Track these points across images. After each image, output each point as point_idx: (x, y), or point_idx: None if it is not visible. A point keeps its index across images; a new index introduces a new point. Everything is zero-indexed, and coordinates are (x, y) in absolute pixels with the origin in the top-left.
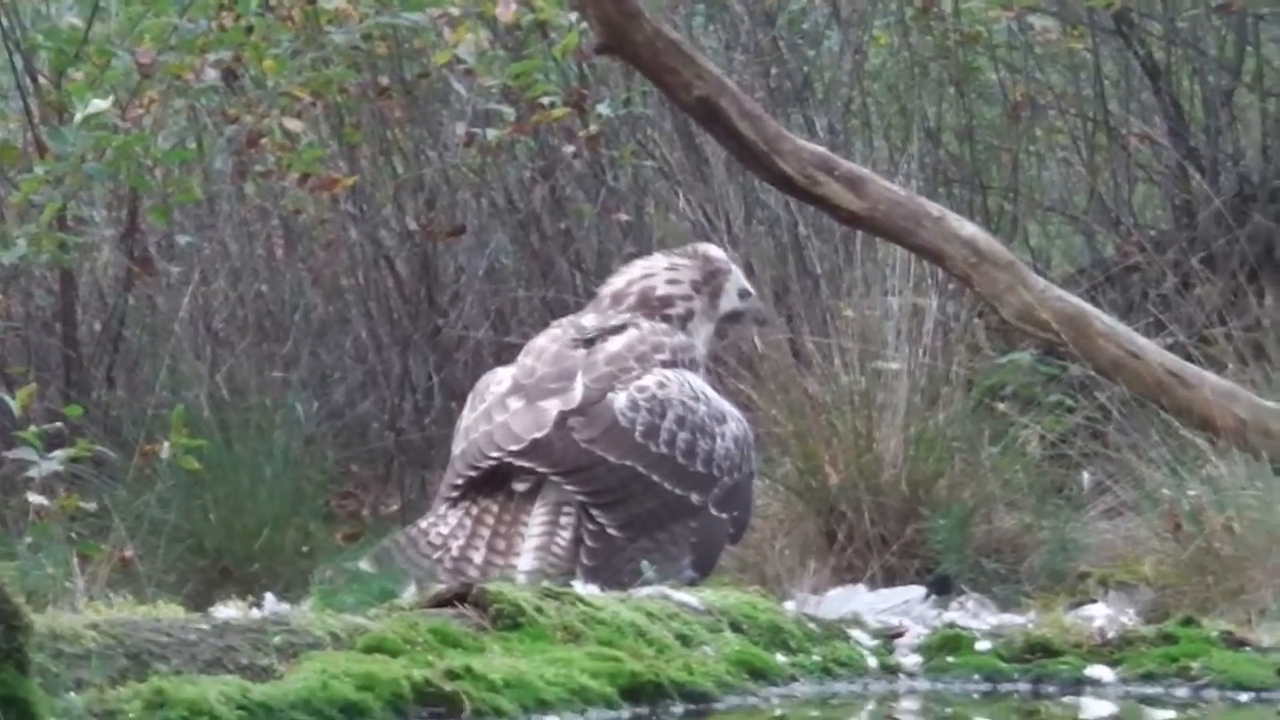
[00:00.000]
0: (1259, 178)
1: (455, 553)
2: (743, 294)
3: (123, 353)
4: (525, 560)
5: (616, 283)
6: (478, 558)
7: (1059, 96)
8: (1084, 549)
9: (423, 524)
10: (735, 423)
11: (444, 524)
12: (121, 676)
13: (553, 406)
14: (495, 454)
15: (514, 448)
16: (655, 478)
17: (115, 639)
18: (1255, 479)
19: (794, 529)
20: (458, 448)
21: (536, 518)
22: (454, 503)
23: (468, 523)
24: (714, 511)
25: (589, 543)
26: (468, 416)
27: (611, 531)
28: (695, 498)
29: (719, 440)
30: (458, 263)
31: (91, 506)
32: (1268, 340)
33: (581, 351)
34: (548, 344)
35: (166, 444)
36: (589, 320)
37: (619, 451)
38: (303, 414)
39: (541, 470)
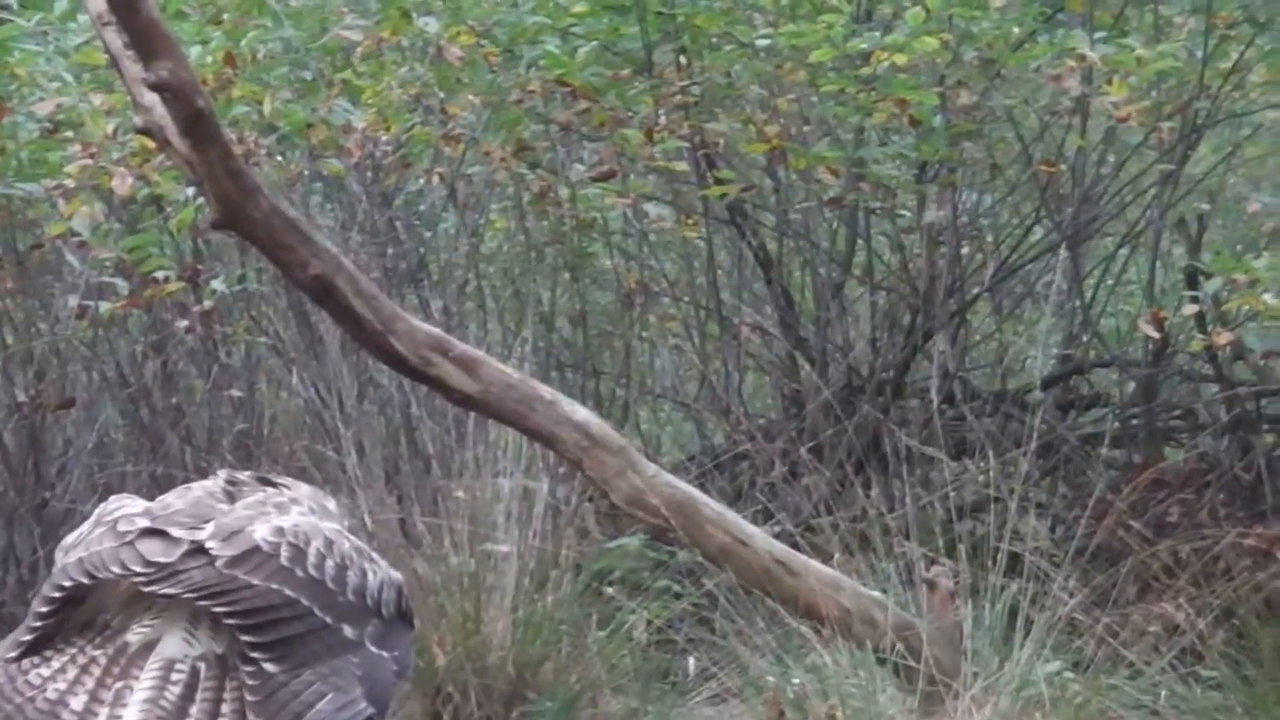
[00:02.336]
0: (868, 370)
1: (52, 695)
2: None
3: None
4: (131, 713)
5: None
6: (77, 705)
7: (672, 284)
8: None
9: (23, 663)
10: (385, 567)
11: (44, 666)
12: None
13: (183, 535)
14: (120, 570)
15: (143, 570)
16: (305, 602)
17: None
18: (859, 668)
19: (399, 709)
20: (73, 555)
21: (149, 671)
22: (45, 631)
23: (71, 669)
24: (372, 648)
25: (250, 689)
26: (85, 529)
27: (269, 667)
28: (349, 630)
29: (370, 576)
30: (66, 436)
31: None
32: (873, 531)
33: (224, 505)
34: (193, 489)
35: None
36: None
37: (263, 574)
38: None
39: (180, 595)
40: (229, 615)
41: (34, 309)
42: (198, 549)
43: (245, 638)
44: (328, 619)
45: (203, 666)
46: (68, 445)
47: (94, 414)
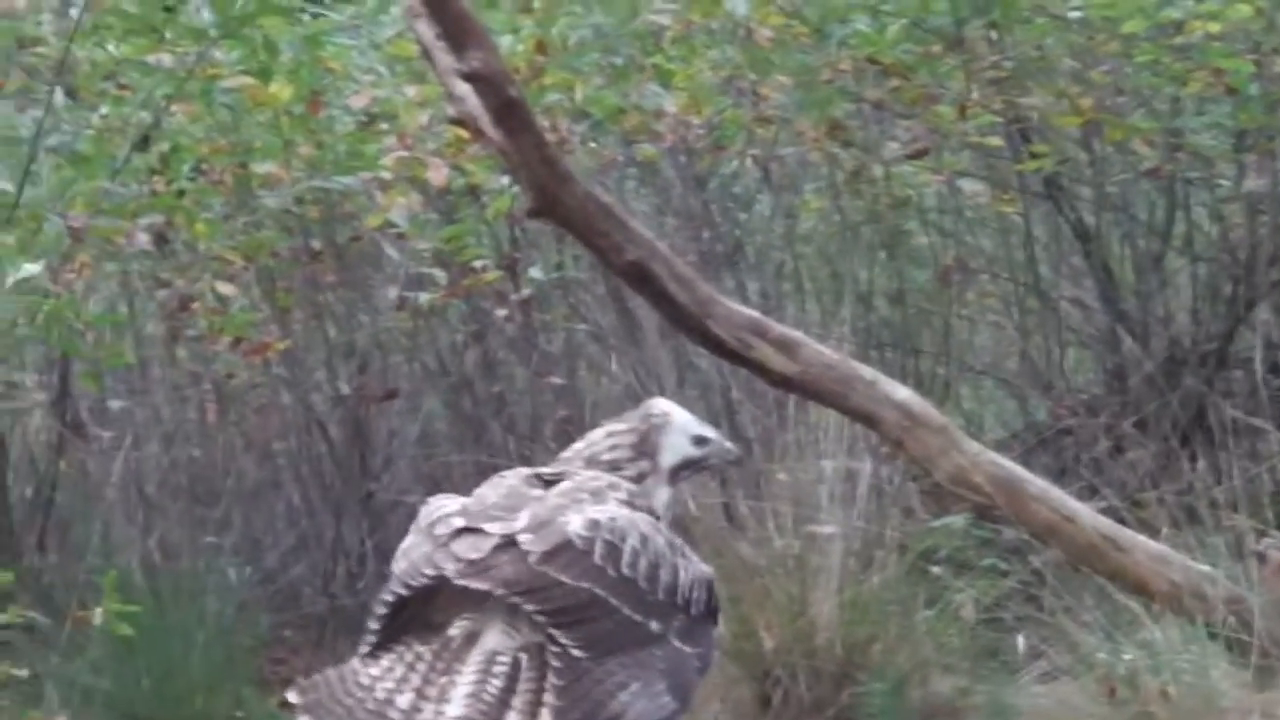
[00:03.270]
0: (1190, 341)
1: (381, 695)
2: (698, 440)
3: (54, 518)
4: (454, 708)
5: (565, 455)
6: (403, 702)
7: (990, 260)
8: (1020, 713)
9: (355, 662)
10: (697, 563)
11: (375, 666)
12: None
13: (495, 529)
14: (432, 573)
15: (454, 567)
16: (615, 601)
17: None
18: (1190, 643)
19: (728, 693)
20: (398, 565)
21: (470, 664)
22: (383, 635)
23: (399, 667)
24: (677, 643)
25: (555, 672)
26: (409, 538)
27: (576, 653)
28: (655, 625)
29: (681, 574)
30: (390, 427)
31: (23, 673)
32: (1200, 504)
33: (538, 490)
34: (508, 476)
35: (99, 610)
36: (547, 470)
37: (575, 572)
38: (235, 579)
39: (490, 590)
40: (538, 612)
41: (355, 301)
42: (509, 542)
43: (553, 630)
44: (637, 616)
45: (524, 658)
46: (392, 436)
47: (417, 404)
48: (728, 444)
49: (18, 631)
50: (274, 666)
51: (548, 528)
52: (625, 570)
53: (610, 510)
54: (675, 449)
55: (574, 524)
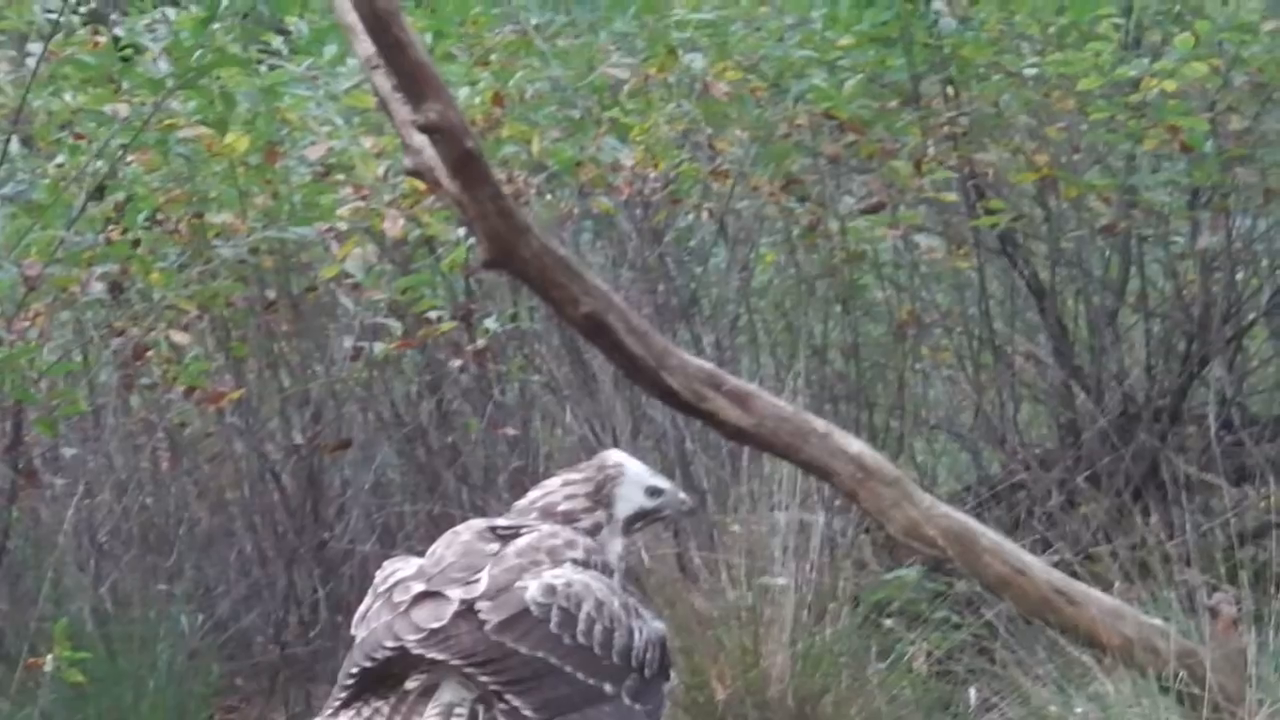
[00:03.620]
0: (1143, 397)
1: None
2: (652, 491)
3: (6, 565)
4: None
5: (520, 504)
6: None
7: (944, 315)
8: None
9: None
10: (651, 621)
11: None
12: None
13: (456, 594)
14: (393, 644)
15: (414, 637)
16: (569, 669)
17: None
18: (1142, 697)
19: None
20: (359, 634)
21: (428, 717)
22: (345, 701)
23: None
24: (627, 701)
25: None
26: (367, 602)
27: (527, 713)
28: (608, 688)
29: (636, 635)
30: (344, 476)
31: None
32: (1153, 559)
33: (494, 546)
34: (461, 532)
35: (49, 657)
36: (501, 522)
37: (530, 642)
38: (187, 627)
39: (447, 660)
40: (494, 682)
41: (310, 351)
42: (468, 609)
43: (507, 696)
44: (590, 680)
45: (481, 709)
46: (345, 486)
47: (370, 454)
48: (681, 494)
49: None
50: (225, 715)
51: (505, 595)
52: (580, 638)
53: (566, 574)
54: (630, 500)
55: (531, 590)
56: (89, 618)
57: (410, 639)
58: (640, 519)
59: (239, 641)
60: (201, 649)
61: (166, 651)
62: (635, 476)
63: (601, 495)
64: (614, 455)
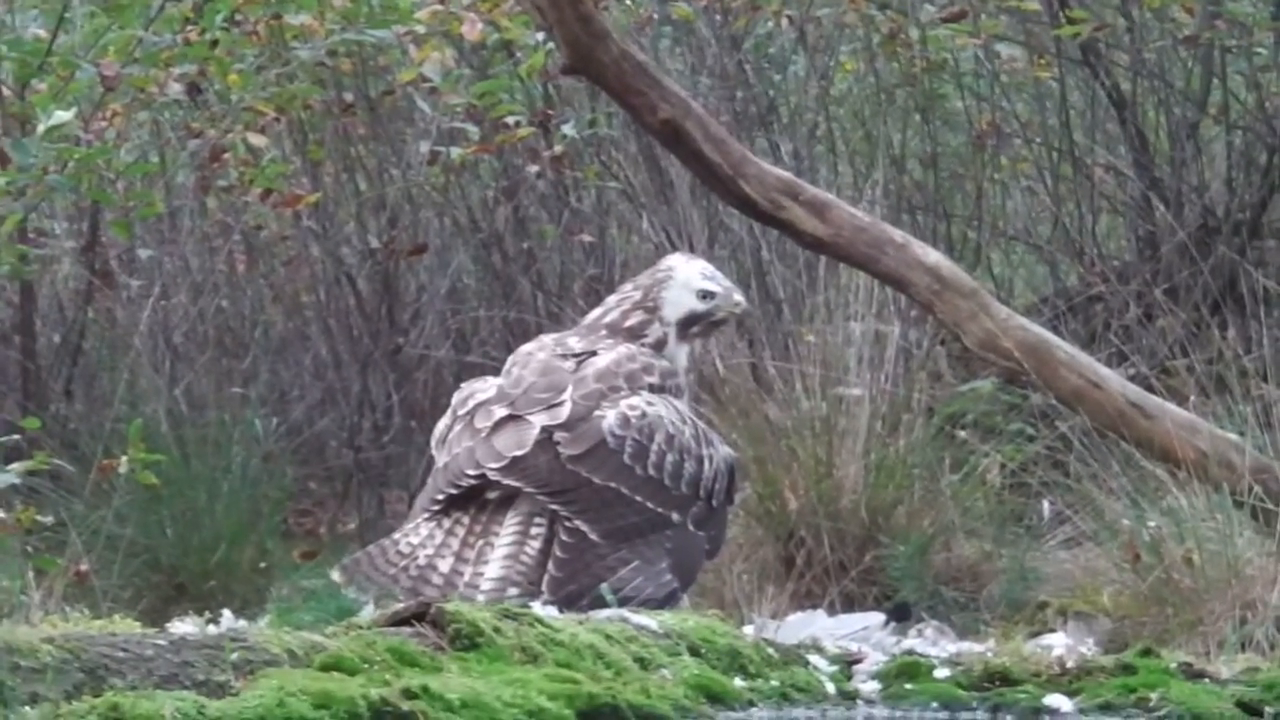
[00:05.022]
0: (1223, 211)
1: (422, 562)
2: (703, 295)
3: (81, 366)
4: (493, 568)
5: (588, 320)
6: (444, 566)
7: (1024, 125)
8: (1043, 578)
9: (395, 535)
10: (721, 448)
11: (415, 535)
12: (77, 691)
13: (539, 420)
14: (475, 472)
15: (495, 465)
16: (639, 499)
17: (71, 653)
18: (1215, 511)
19: (753, 554)
20: (440, 458)
21: (508, 526)
22: (431, 515)
23: (438, 534)
24: (690, 527)
25: (562, 548)
26: (448, 424)
27: (593, 538)
28: (675, 516)
29: (705, 465)
30: (419, 282)
31: (48, 520)
32: (1229, 373)
33: (570, 364)
34: (535, 351)
35: (124, 458)
36: (574, 340)
37: (604, 473)
38: (261, 430)
39: (523, 488)
40: (567, 511)
41: (386, 155)
42: (547, 439)
43: (578, 522)
44: (659, 510)
45: (556, 520)
46: (420, 291)
47: (446, 260)
48: (737, 296)
49: (43, 479)
50: (298, 519)
51: (583, 425)
52: (651, 470)
53: (642, 403)
54: (678, 304)
55: (609, 420)
56: (164, 420)
57: (492, 467)
58: (693, 323)
59: (312, 446)
60: (275, 453)
61: (240, 455)
62: (684, 280)
63: (649, 299)
64: (671, 259)
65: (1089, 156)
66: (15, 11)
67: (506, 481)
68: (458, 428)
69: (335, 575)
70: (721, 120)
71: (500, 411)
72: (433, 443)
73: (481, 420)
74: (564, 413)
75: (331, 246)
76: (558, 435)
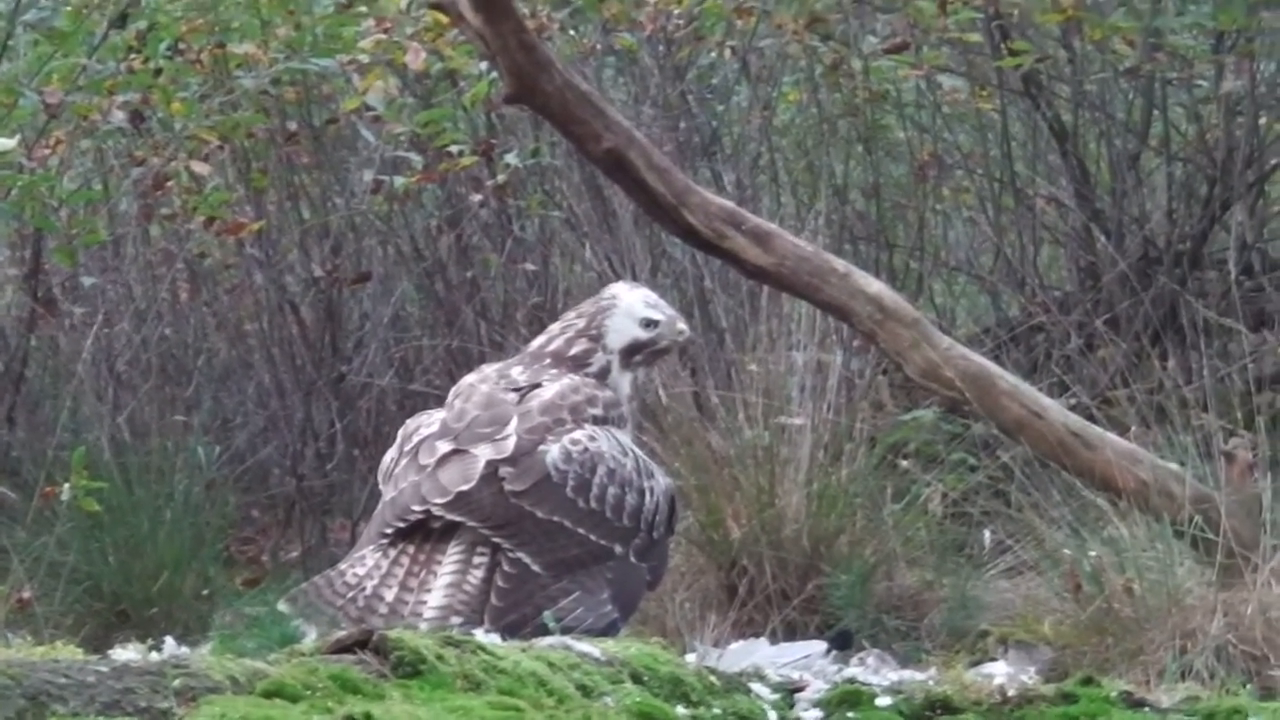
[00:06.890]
0: (1164, 242)
1: (369, 591)
2: (646, 323)
3: (24, 393)
4: (435, 597)
5: (531, 349)
6: (389, 596)
7: (966, 156)
8: (984, 607)
9: (342, 565)
10: (662, 480)
11: (361, 565)
12: (19, 718)
13: (483, 453)
14: (420, 507)
15: (441, 500)
16: (581, 531)
17: (12, 679)
18: (1156, 541)
19: (695, 582)
20: (387, 492)
21: (450, 556)
22: (377, 546)
23: (384, 563)
24: (631, 559)
25: (503, 579)
26: (393, 458)
27: (535, 569)
28: (617, 548)
29: (646, 497)
30: (362, 310)
31: None
32: (1170, 403)
33: (514, 396)
34: (478, 383)
35: (66, 485)
36: (516, 371)
37: (548, 506)
38: (204, 458)
39: (468, 523)
40: (509, 542)
41: (330, 183)
42: (492, 473)
43: (520, 553)
44: (601, 542)
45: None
46: (364, 319)
47: (389, 288)
48: (680, 325)
49: None
50: (241, 546)
51: (528, 459)
52: (594, 503)
53: (584, 437)
54: (621, 332)
55: (553, 454)
56: (106, 447)
57: (437, 502)
58: (637, 351)
59: (255, 473)
60: (218, 480)
61: (183, 482)
62: (627, 308)
63: (592, 328)
64: (614, 287)
65: (1031, 187)
66: None
67: (451, 516)
68: (404, 462)
69: (283, 605)
70: (665, 150)
71: (444, 446)
72: (379, 476)
73: (426, 456)
74: (509, 446)
75: (275, 275)
76: (502, 470)
